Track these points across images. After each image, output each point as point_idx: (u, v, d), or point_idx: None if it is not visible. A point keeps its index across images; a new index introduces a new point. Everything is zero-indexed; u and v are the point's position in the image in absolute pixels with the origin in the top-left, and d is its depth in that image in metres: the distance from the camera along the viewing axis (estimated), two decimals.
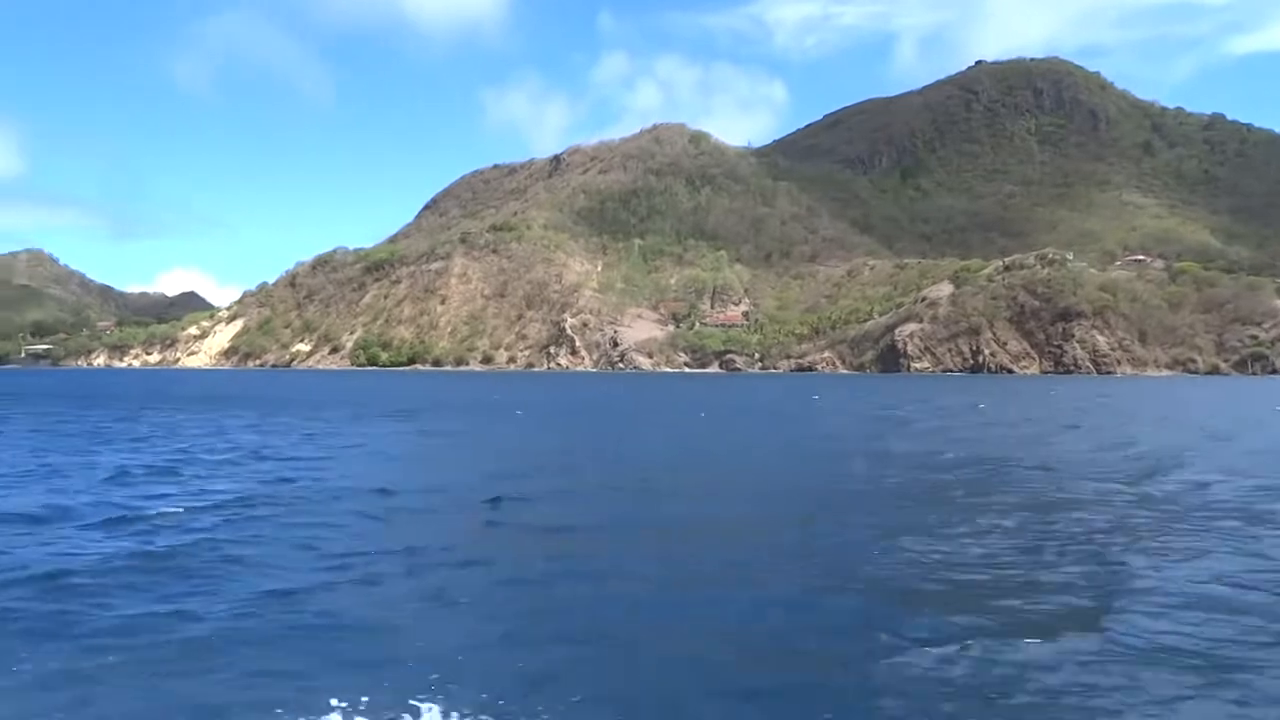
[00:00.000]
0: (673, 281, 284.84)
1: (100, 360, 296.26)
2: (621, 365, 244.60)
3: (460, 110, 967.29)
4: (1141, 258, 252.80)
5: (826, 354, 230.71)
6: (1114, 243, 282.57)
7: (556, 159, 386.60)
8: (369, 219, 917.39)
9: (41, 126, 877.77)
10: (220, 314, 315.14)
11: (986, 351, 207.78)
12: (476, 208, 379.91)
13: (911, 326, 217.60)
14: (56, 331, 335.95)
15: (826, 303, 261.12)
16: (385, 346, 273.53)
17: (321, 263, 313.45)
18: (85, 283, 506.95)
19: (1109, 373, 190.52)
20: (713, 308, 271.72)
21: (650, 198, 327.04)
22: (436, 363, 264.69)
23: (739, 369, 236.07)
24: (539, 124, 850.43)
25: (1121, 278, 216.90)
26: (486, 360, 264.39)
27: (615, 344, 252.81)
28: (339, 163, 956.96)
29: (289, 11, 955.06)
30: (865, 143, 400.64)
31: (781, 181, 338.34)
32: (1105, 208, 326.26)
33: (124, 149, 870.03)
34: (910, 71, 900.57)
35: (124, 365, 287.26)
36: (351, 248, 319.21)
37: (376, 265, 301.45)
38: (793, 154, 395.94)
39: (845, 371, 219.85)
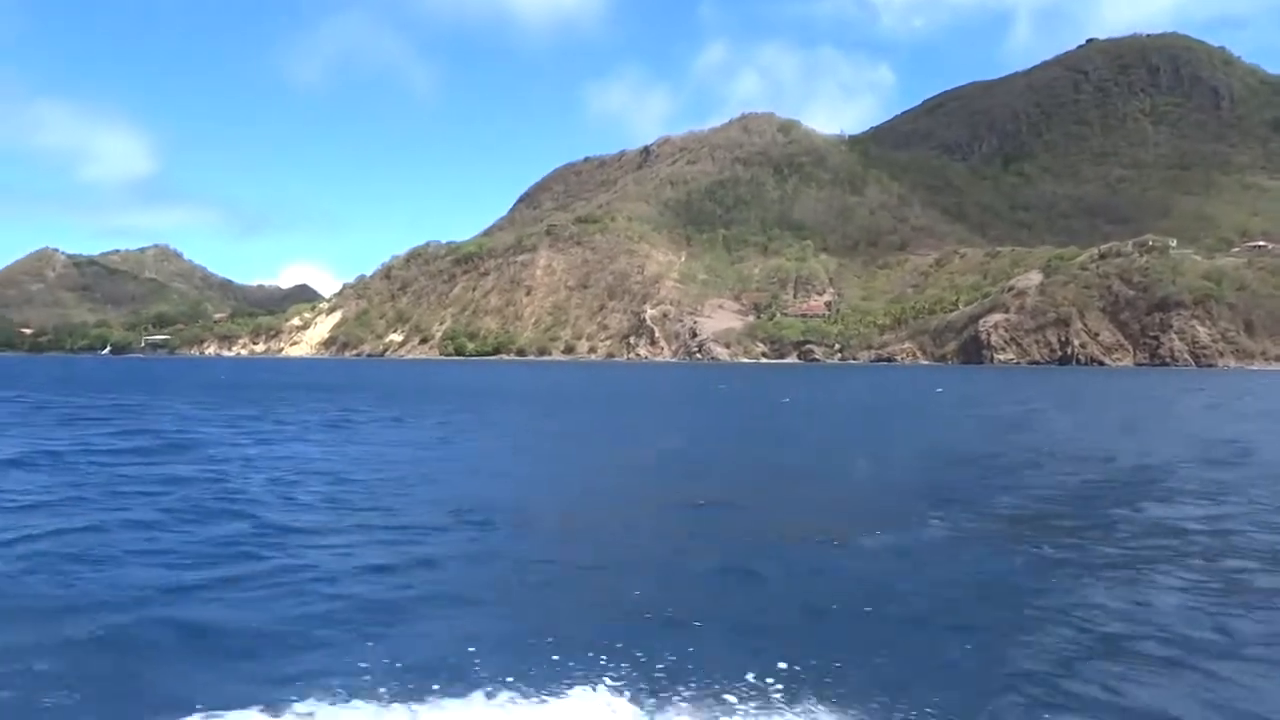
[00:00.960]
0: (756, 271, 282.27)
1: (211, 350, 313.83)
2: (699, 356, 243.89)
3: (561, 103, 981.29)
4: (1262, 244, 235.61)
5: (907, 345, 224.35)
6: (1232, 228, 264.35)
7: (646, 150, 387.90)
8: (471, 211, 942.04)
9: (172, 130, 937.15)
10: (321, 306, 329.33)
11: (1076, 343, 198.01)
12: (568, 200, 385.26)
13: (996, 317, 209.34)
14: (175, 323, 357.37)
15: (913, 292, 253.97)
16: (472, 337, 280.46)
17: (415, 256, 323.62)
18: (207, 277, 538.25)
19: (1209, 365, 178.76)
20: (795, 298, 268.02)
21: (737, 188, 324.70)
22: (520, 353, 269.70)
23: (817, 359, 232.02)
24: (639, 115, 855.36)
25: (1228, 265, 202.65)
26: (568, 350, 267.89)
27: (694, 334, 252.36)
28: (443, 157, 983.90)
29: (398, 10, 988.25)
30: (965, 128, 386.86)
31: (872, 169, 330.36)
32: (1226, 191, 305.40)
33: (248, 149, 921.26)
34: (1025, 51, 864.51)
35: (231, 355, 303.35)
36: (444, 241, 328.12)
37: (466, 258, 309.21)
38: (889, 141, 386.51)
39: (926, 363, 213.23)
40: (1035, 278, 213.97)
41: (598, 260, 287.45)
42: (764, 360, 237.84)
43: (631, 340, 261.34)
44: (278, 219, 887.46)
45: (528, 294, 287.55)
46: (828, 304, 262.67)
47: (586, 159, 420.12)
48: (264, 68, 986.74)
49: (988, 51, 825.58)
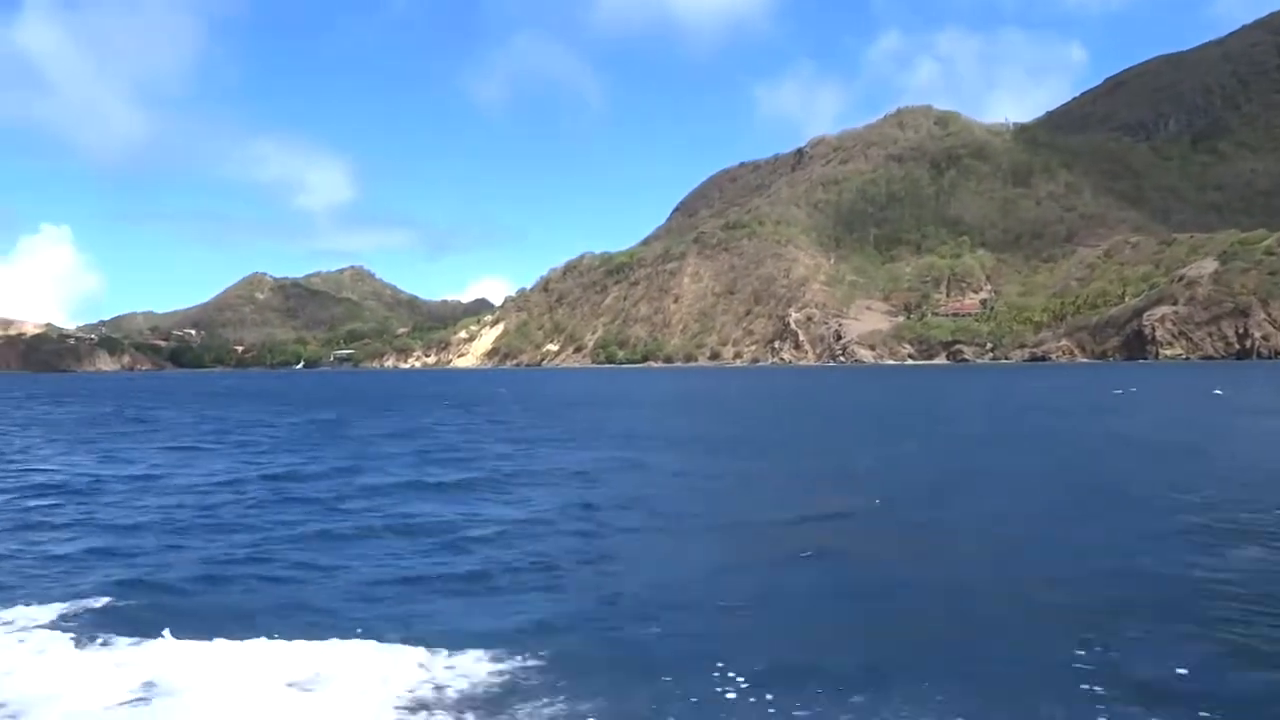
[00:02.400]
0: (907, 271, 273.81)
1: (390, 362, 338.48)
2: (842, 359, 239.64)
3: (730, 107, 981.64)
4: None
5: (1063, 342, 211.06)
6: None
7: (799, 152, 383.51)
8: (635, 221, 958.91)
9: (369, 158, 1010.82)
10: (485, 319, 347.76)
11: (1257, 335, 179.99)
12: (723, 207, 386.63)
13: (1163, 309, 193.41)
14: (363, 338, 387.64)
15: (1077, 286, 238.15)
16: (622, 345, 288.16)
17: (570, 268, 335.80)
18: (396, 294, 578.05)
19: None
20: (948, 296, 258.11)
21: (890, 185, 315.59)
22: (668, 360, 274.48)
23: (966, 360, 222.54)
24: (811, 113, 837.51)
25: None
26: (714, 356, 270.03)
27: (839, 337, 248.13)
28: (611, 168, 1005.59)
29: (568, 27, 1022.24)
30: (1148, 106, 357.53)
31: (1039, 158, 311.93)
32: None
33: (436, 170, 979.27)
34: (1226, 16, 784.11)
35: (406, 366, 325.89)
36: (597, 252, 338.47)
37: (617, 268, 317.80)
38: (1064, 126, 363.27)
39: (1084, 360, 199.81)
40: (1209, 265, 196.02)
41: (744, 266, 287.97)
42: (910, 362, 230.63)
43: (776, 345, 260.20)
44: (464, 237, 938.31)
45: (675, 301, 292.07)
46: (982, 302, 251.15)
47: (742, 164, 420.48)
48: (449, 91, 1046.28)
49: (1191, 17, 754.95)
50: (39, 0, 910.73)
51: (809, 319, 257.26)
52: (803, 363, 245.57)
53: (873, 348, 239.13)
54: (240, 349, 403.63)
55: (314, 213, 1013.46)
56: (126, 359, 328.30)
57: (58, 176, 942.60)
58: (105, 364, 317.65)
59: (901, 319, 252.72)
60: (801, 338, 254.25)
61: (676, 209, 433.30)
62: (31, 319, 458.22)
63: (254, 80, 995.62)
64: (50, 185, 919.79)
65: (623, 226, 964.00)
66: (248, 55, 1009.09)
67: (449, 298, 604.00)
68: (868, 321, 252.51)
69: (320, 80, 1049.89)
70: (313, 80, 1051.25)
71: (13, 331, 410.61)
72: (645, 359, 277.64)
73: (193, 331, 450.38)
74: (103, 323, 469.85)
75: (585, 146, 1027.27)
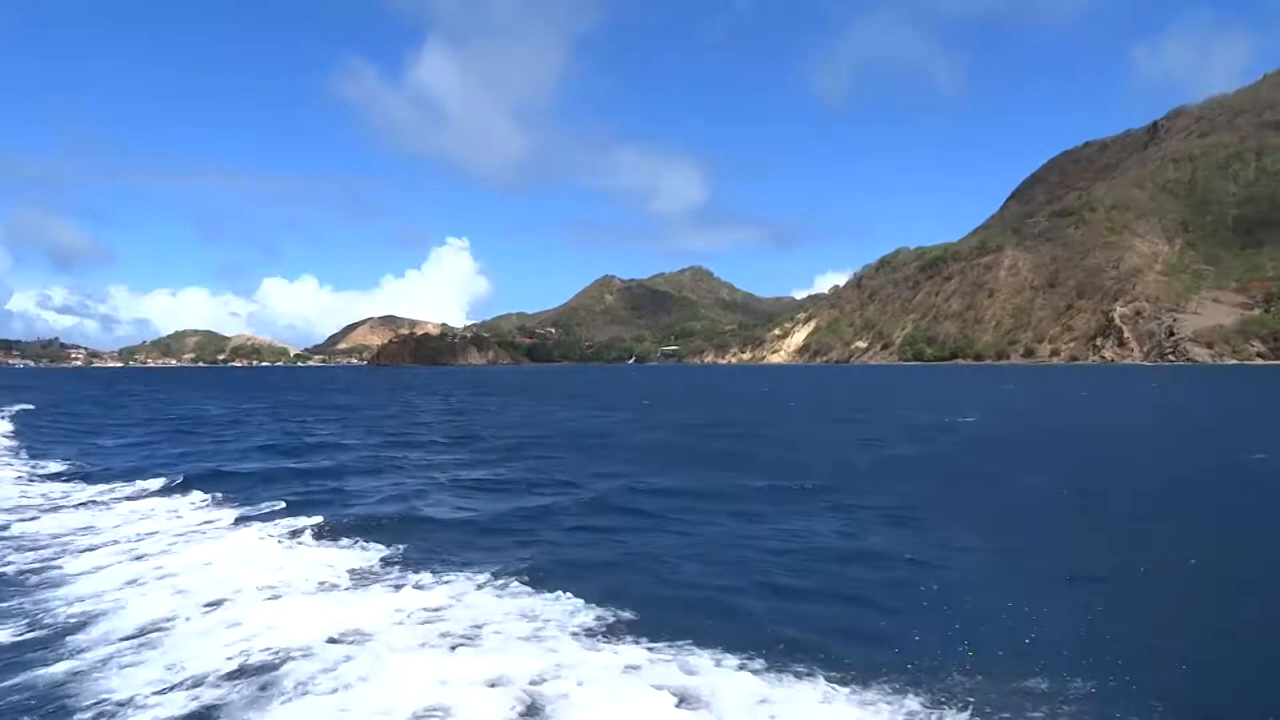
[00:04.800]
0: (1273, 260, 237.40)
1: (709, 358, 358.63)
2: (1172, 357, 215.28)
3: (1100, 74, 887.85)
4: None
5: None
6: None
7: (1154, 126, 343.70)
8: (979, 209, 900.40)
9: (718, 159, 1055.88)
10: (799, 316, 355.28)
11: None
12: (1061, 191, 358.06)
13: None
14: (691, 336, 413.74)
15: None
16: (930, 342, 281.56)
17: (884, 263, 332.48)
18: (733, 292, 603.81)
19: None
20: None
21: (1259, 158, 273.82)
22: (977, 357, 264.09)
23: None
24: (1199, 70, 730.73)
25: None
26: (1028, 354, 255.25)
27: (1170, 333, 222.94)
28: (962, 154, 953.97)
29: (914, 6, 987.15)
30: None
31: None
32: None
33: (782, 166, 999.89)
34: None
35: (723, 362, 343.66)
36: (913, 247, 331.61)
37: (931, 263, 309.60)
38: None
39: None
40: None
41: (1068, 257, 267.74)
42: (1260, 362, 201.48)
43: (1097, 342, 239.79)
44: (808, 232, 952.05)
45: (989, 296, 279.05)
46: None
47: (1087, 143, 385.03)
48: (793, 84, 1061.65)
49: None
50: (435, 42, 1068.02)
51: (1137, 313, 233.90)
52: (1127, 361, 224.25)
53: (1210, 345, 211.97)
54: (588, 347, 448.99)
55: (666, 215, 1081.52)
56: (491, 354, 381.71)
57: (458, 195, 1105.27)
58: (474, 358, 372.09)
59: (1258, 312, 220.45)
60: (1126, 334, 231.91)
61: (1012, 195, 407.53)
62: (432, 320, 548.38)
63: (613, 91, 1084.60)
64: (452, 203, 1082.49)
65: (965, 215, 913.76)
66: (605, 67, 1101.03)
67: (787, 294, 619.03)
68: (1208, 316, 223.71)
69: (672, 85, 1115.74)
70: (665, 86, 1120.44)
71: (418, 331, 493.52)
72: (953, 356, 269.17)
73: (552, 330, 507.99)
74: (483, 323, 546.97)
75: (932, 134, 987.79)
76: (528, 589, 10.33)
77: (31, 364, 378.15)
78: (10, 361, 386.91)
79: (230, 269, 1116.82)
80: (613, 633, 8.88)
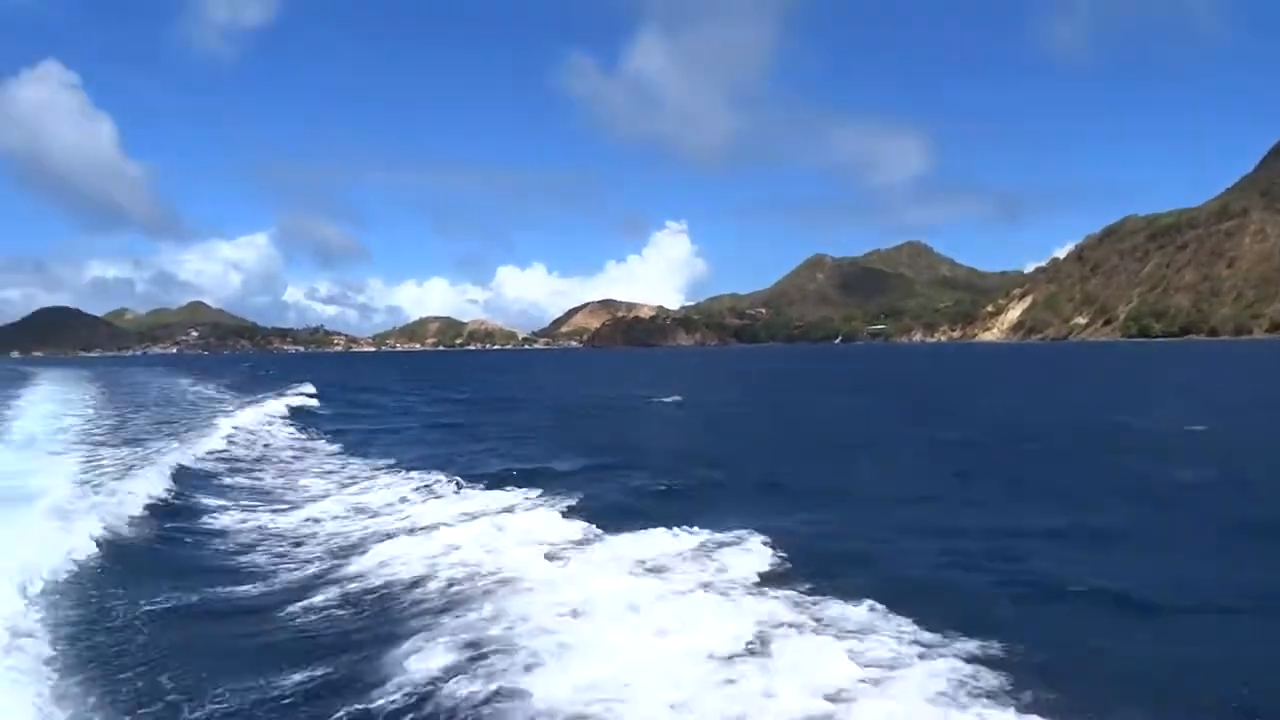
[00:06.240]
0: None
1: (918, 337, 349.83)
2: None
3: None
4: None
5: None
6: None
7: None
8: (1228, 171, 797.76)
9: (941, 129, 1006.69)
10: (1014, 292, 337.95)
11: None
12: None
13: None
14: (901, 314, 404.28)
15: None
16: (1159, 317, 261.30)
17: (1109, 234, 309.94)
18: (953, 268, 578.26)
19: None
20: None
21: None
22: (1212, 332, 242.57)
23: None
24: None
25: None
26: (1274, 328, 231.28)
27: None
28: (1220, 108, 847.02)
29: None
30: None
31: None
32: None
33: (1009, 132, 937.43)
34: None
35: (932, 341, 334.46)
36: (1142, 215, 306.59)
37: (1162, 231, 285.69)
38: None
39: None
40: None
41: None
42: None
43: None
44: (1038, 201, 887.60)
45: (1229, 266, 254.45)
46: None
47: None
48: (1025, 42, 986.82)
49: None
50: (649, 28, 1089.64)
51: None
52: None
53: None
54: (796, 327, 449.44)
55: (884, 189, 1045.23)
56: (698, 335, 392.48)
57: (677, 179, 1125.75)
58: (683, 339, 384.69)
59: None
60: None
61: (1270, 153, 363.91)
62: (650, 302, 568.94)
63: (826, 66, 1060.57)
64: (671, 187, 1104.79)
65: (1211, 180, 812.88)
66: (817, 43, 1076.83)
67: (1016, 269, 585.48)
68: None
69: (888, 55, 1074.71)
70: (880, 57, 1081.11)
71: (633, 315, 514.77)
72: (1185, 332, 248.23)
73: (763, 310, 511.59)
74: (697, 304, 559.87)
75: (1183, 84, 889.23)
76: None
77: (300, 349, 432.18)
78: (285, 347, 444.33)
79: (468, 259, 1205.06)
80: None
